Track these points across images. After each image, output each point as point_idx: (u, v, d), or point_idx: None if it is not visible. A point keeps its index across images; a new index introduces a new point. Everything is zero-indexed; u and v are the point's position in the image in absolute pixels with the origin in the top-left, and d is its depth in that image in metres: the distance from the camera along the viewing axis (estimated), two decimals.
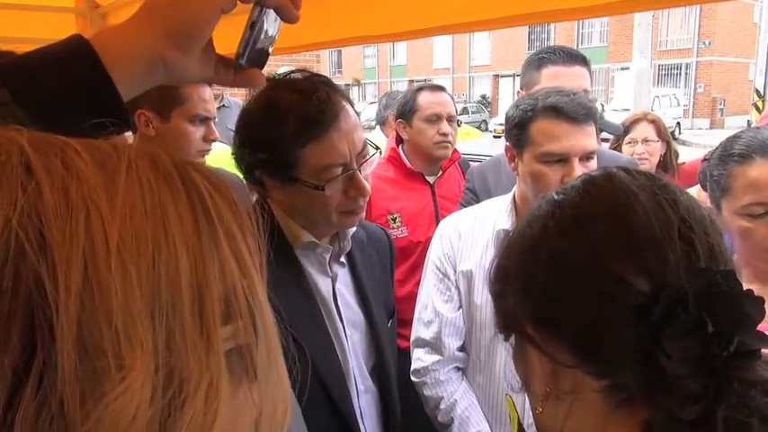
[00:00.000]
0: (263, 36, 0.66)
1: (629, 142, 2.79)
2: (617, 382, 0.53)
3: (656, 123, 2.83)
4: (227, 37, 0.71)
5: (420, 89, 2.39)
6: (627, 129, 2.81)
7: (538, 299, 0.57)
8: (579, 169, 1.33)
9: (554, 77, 1.94)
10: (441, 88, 2.43)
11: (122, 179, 0.31)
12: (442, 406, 1.48)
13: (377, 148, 1.21)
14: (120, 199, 0.31)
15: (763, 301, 0.49)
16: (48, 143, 0.31)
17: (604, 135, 2.96)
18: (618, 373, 0.52)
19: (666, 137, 2.84)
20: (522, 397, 1.04)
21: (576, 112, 1.33)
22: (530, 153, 1.38)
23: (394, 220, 2.29)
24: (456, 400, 1.47)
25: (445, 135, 2.31)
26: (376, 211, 2.26)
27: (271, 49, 0.70)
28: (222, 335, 0.33)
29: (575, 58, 1.98)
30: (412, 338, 1.60)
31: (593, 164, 1.36)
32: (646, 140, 2.78)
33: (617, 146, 2.82)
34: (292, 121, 1.06)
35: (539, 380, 0.58)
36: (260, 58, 0.69)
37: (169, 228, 0.32)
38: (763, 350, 0.48)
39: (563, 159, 1.34)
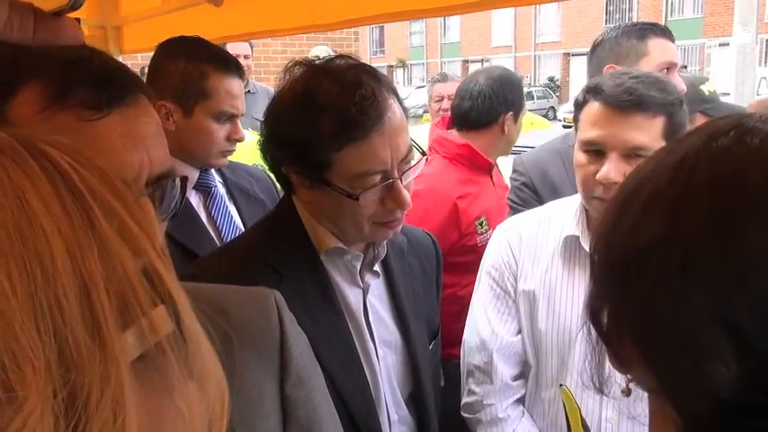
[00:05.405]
0: None
1: None
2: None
3: None
4: None
5: None
6: None
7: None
8: (618, 167, 1.28)
9: None
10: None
11: None
12: None
13: (423, 153, 1.19)
14: None
15: None
16: None
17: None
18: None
19: None
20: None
21: (617, 96, 1.29)
22: (578, 139, 1.39)
23: (481, 224, 2.19)
24: None
25: None
26: (465, 219, 2.16)
27: None
28: (130, 333, 0.32)
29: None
30: (462, 365, 1.58)
31: None
32: None
33: None
34: (330, 118, 1.06)
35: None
36: None
37: (33, 214, 0.30)
38: None
39: (600, 152, 1.32)
